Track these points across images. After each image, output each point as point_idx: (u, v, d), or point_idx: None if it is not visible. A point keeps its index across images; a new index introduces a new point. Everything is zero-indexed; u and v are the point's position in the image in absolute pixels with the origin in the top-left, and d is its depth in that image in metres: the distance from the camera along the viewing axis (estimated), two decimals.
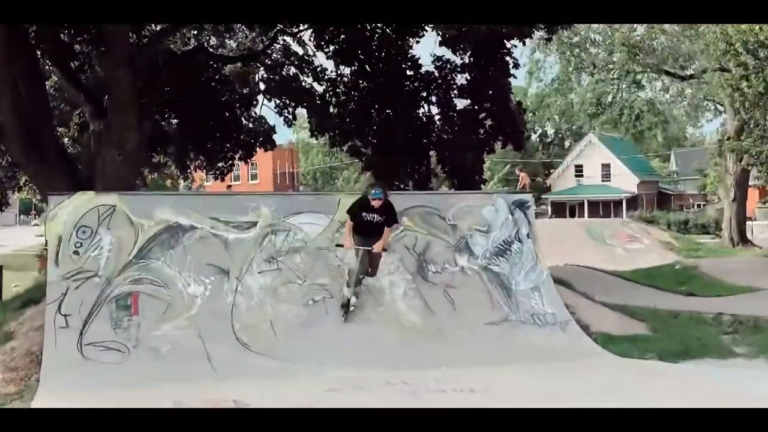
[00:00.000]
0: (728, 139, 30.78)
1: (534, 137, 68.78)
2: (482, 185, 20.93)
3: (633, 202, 60.07)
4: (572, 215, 60.47)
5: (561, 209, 62.49)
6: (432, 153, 19.95)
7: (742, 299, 16.75)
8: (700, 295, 17.88)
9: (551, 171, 69.08)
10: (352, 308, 9.79)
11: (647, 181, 63.92)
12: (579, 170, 64.34)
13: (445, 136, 19.44)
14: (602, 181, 62.88)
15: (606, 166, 63.05)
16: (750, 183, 38.28)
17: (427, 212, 10.85)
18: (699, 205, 66.40)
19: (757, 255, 30.28)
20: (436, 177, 20.68)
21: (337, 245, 9.88)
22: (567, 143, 78.97)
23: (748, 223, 39.39)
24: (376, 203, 9.54)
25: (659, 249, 32.20)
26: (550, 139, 77.45)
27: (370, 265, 9.89)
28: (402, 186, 18.44)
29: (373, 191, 9.59)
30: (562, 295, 11.40)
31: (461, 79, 19.19)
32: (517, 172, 20.13)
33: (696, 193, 66.59)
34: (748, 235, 37.68)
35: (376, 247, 9.73)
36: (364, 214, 9.64)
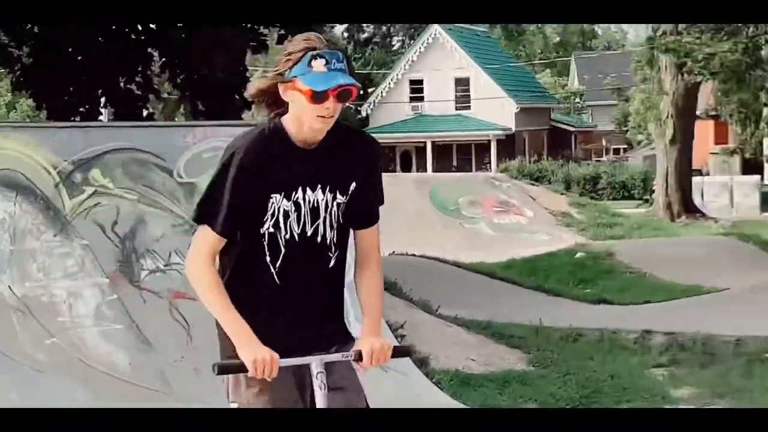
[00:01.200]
0: (663, 34, 32.58)
1: (340, 28, 69.55)
2: (244, 110, 20.84)
3: (509, 144, 61.55)
4: (406, 168, 61.77)
5: (386, 157, 63.58)
6: (154, 52, 19.73)
7: (685, 306, 17.82)
8: (617, 302, 18.85)
9: (367, 91, 69.72)
10: None
11: (532, 108, 65.38)
12: (417, 89, 65.29)
13: None
14: (457, 108, 64.02)
15: (462, 83, 64.29)
16: (699, 111, 40.56)
17: (137, 160, 10.73)
18: (618, 150, 69.99)
19: (709, 233, 32.34)
20: (158, 96, 20.52)
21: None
22: (396, 40, 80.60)
23: (696, 179, 41.73)
24: (326, 110, 4.62)
25: (550, 225, 33.60)
26: (366, 34, 78.75)
27: None
28: (78, 118, 18.10)
29: (329, 59, 4.64)
30: (386, 307, 11.58)
31: None
32: None
33: (612, 130, 69.82)
34: (696, 200, 40.10)
35: (365, 362, 5.01)
36: (274, 196, 4.81)
